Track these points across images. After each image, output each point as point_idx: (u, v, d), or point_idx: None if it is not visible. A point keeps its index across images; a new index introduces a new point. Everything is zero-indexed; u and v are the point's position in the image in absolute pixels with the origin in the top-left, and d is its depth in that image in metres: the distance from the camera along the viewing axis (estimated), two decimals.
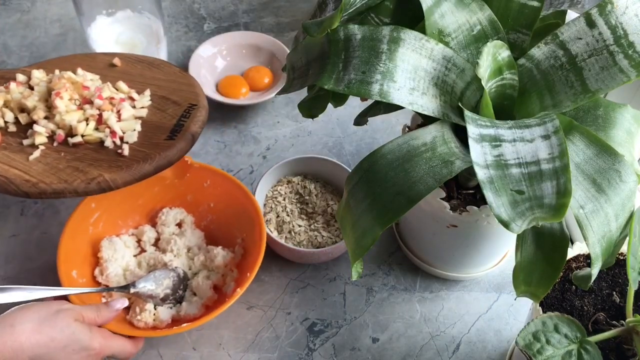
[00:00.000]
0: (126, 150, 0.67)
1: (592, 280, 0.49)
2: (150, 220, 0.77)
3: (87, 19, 0.81)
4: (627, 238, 0.49)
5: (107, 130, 0.68)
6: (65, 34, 1.02)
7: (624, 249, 0.52)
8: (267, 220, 0.76)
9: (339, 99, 0.66)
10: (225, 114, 0.92)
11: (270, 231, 0.75)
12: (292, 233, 0.75)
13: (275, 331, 0.71)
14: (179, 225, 0.77)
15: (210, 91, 0.89)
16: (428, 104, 0.53)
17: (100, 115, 0.69)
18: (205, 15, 1.07)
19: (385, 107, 0.65)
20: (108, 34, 0.83)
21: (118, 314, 0.64)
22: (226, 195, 0.75)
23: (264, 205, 0.78)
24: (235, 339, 0.70)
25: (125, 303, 0.64)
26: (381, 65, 0.52)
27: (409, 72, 0.53)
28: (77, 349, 0.57)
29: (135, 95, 0.73)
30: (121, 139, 0.68)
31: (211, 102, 0.82)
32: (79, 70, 0.74)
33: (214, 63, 0.95)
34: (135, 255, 0.74)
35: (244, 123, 0.91)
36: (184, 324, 0.64)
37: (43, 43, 1.00)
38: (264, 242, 0.69)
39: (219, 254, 0.72)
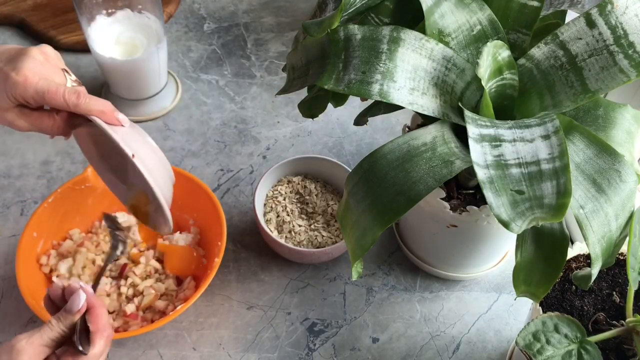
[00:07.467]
0: None
1: (592, 280, 0.49)
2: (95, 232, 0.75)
3: (87, 19, 0.81)
4: (627, 238, 0.49)
5: None
6: None
7: (624, 249, 0.52)
8: (267, 220, 0.76)
9: (339, 99, 0.66)
10: (226, 114, 0.92)
11: (270, 231, 0.75)
12: (292, 233, 0.75)
13: (275, 331, 0.71)
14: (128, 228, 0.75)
15: None
16: (428, 104, 0.53)
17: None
18: (205, 15, 1.07)
19: (385, 107, 0.65)
20: (108, 34, 0.83)
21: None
22: None
23: (264, 205, 0.78)
24: (235, 339, 0.70)
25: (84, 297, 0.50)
26: (381, 65, 0.52)
27: (409, 72, 0.53)
28: None
29: None
30: None
31: None
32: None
33: None
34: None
35: (244, 123, 0.91)
36: (178, 306, 0.64)
37: None
38: (220, 211, 0.69)
39: (180, 238, 0.73)
